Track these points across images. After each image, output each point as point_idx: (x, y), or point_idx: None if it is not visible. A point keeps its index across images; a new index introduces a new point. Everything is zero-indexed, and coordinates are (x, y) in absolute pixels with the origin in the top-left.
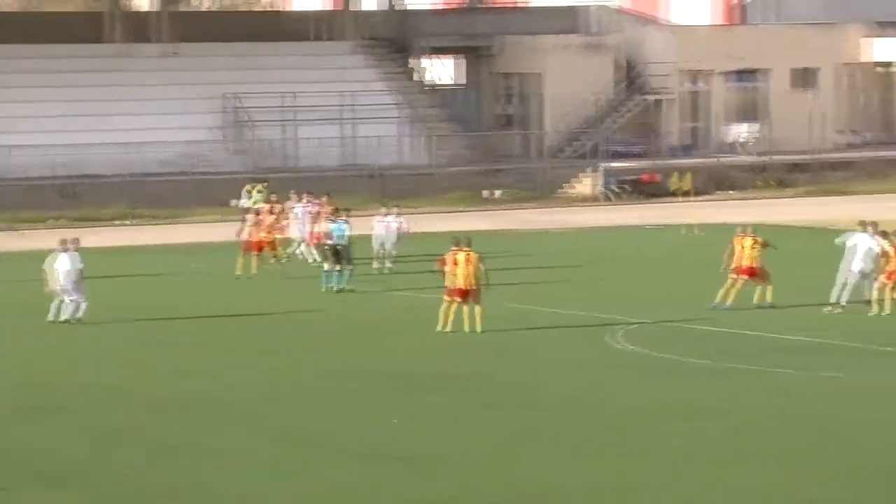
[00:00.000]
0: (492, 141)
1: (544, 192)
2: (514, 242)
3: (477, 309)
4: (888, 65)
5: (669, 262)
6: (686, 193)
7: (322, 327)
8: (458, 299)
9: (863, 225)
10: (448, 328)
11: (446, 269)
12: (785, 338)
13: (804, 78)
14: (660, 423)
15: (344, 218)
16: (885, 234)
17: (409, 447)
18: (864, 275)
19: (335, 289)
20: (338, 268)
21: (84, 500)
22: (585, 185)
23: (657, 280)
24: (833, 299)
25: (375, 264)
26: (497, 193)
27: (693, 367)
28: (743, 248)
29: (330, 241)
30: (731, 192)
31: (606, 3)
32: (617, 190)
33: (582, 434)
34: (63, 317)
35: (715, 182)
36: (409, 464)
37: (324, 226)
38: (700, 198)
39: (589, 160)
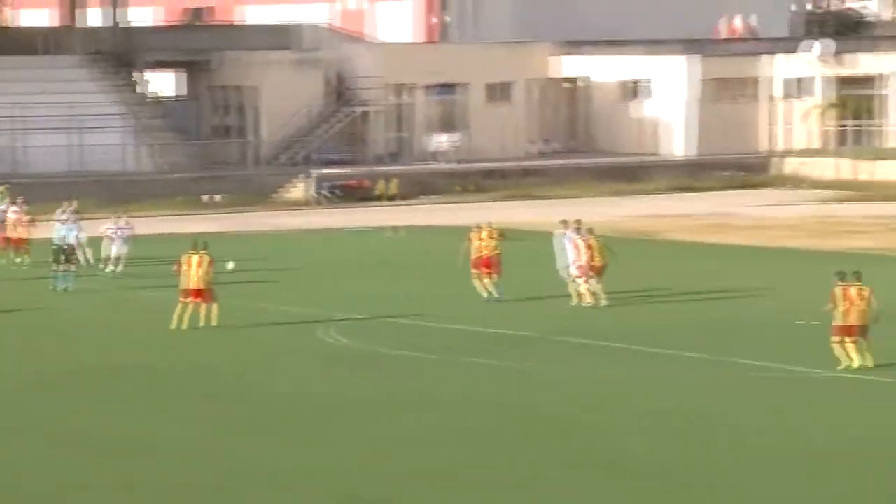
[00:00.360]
0: (211, 149)
1: (261, 196)
2: (237, 245)
3: (214, 307)
4: (574, 80)
5: (380, 263)
6: (392, 198)
7: (51, 325)
8: (193, 299)
9: (564, 224)
10: (184, 325)
11: (182, 270)
12: (489, 331)
13: (499, 92)
14: (363, 413)
15: (74, 220)
16: (590, 231)
17: (127, 435)
18: (568, 269)
19: (64, 288)
20: (64, 268)
21: None
22: (299, 190)
23: (369, 279)
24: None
25: (108, 267)
26: (217, 198)
27: (404, 359)
28: (481, 240)
29: (58, 243)
30: (432, 196)
31: (318, 22)
32: (328, 195)
33: (292, 423)
34: None
35: (418, 187)
36: (127, 451)
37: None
38: (405, 202)
39: (302, 167)
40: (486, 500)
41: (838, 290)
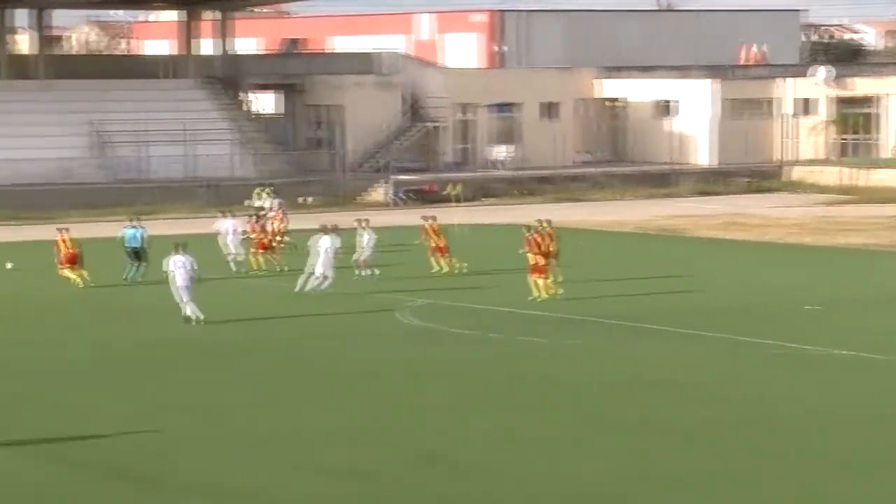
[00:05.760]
0: (305, 158)
1: (346, 199)
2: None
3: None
4: (614, 100)
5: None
6: (457, 200)
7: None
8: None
9: (324, 228)
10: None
11: None
12: (528, 313)
13: (549, 110)
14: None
15: (136, 224)
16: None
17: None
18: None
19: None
20: (137, 264)
21: None
22: (378, 193)
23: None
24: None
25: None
26: (310, 200)
27: (459, 336)
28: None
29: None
30: (490, 199)
31: (395, 50)
32: (403, 198)
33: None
34: None
35: (480, 191)
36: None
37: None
38: (467, 203)
39: (381, 174)
40: (534, 458)
41: None
